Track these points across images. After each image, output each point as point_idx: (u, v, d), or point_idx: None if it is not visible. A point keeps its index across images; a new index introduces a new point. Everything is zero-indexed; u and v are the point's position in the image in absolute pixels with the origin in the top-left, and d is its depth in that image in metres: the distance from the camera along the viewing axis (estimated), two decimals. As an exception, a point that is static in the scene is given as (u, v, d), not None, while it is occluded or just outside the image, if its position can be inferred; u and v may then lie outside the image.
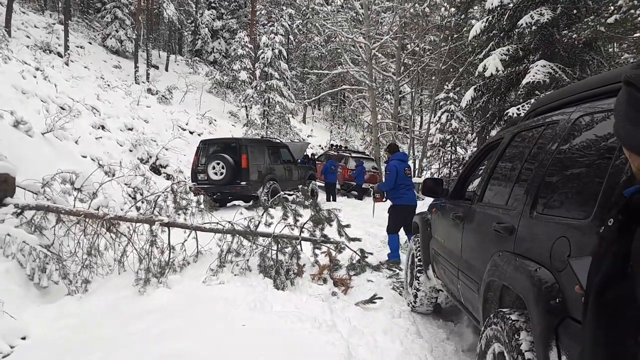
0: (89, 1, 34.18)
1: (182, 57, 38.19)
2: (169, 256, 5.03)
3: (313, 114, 43.65)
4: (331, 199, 15.16)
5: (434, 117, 20.27)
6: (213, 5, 37.82)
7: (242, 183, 10.68)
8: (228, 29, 37.90)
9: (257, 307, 3.98)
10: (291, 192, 10.22)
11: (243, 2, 41.24)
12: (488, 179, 3.17)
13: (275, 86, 25.20)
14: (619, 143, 1.64)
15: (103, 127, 13.11)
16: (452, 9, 20.16)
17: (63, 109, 11.39)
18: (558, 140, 2.28)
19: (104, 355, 3.22)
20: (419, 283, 4.53)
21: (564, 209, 2.07)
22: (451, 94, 16.90)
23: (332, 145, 24.75)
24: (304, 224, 5.48)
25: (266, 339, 3.40)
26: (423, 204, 12.12)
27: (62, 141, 9.42)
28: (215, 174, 10.68)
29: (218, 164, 10.67)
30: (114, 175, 8.54)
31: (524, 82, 9.34)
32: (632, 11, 8.52)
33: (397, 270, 5.95)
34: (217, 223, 5.39)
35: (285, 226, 5.46)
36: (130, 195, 9.46)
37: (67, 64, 19.86)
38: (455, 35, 20.12)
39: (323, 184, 15.99)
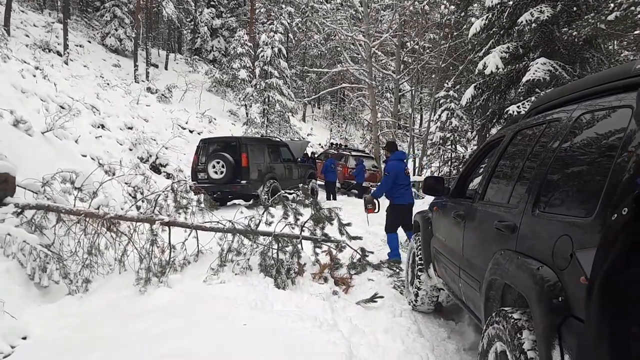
0: (88, 0, 34.12)
1: (181, 55, 38.13)
2: (170, 255, 5.02)
3: (313, 112, 43.63)
4: (331, 198, 15.15)
5: (434, 115, 20.26)
6: (212, 3, 37.76)
7: (242, 182, 10.68)
8: (227, 27, 37.85)
9: (258, 306, 3.98)
10: (291, 191, 10.23)
11: (242, 0, 41.19)
12: (489, 177, 3.17)
13: (275, 84, 25.18)
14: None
15: (103, 126, 13.10)
16: (452, 7, 20.10)
17: (63, 108, 11.39)
18: (560, 138, 2.27)
19: (104, 354, 3.22)
20: (420, 282, 4.52)
21: (566, 207, 2.06)
22: (451, 92, 16.88)
23: (332, 143, 24.76)
24: (305, 222, 5.48)
25: (267, 338, 3.40)
26: (423, 203, 12.12)
27: (62, 140, 9.41)
28: (216, 172, 10.67)
29: (218, 162, 10.67)
30: (114, 174, 8.55)
31: (524, 79, 9.32)
32: (633, 8, 8.51)
33: (398, 269, 5.94)
34: (218, 222, 5.39)
35: (286, 225, 5.46)
36: (130, 195, 9.46)
37: (66, 63, 19.82)
38: (455, 33, 20.08)
39: (323, 183, 16.00)
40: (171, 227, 5.19)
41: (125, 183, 9.49)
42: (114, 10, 28.32)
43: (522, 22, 9.44)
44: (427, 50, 23.05)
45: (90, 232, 5.10)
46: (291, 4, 37.66)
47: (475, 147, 15.02)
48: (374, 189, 7.14)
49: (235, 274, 4.81)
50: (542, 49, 9.96)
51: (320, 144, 30.17)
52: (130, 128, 14.76)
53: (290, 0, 37.86)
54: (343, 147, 22.64)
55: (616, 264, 1.21)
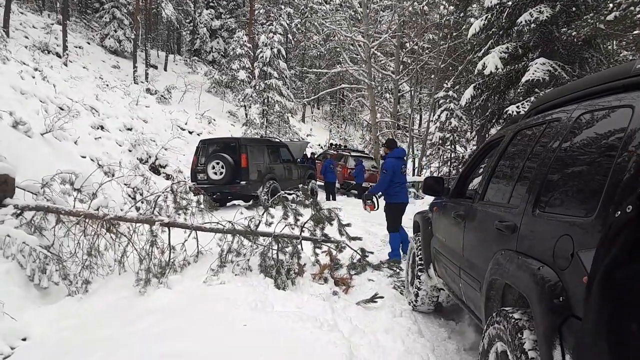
0: (87, 1, 34.10)
1: (180, 56, 38.14)
2: (170, 256, 5.01)
3: (312, 113, 43.65)
4: (331, 198, 15.16)
5: (434, 115, 20.27)
6: (211, 4, 37.76)
7: (241, 182, 10.67)
8: (227, 28, 37.85)
9: (258, 307, 3.97)
10: (291, 192, 10.23)
11: (241, 1, 41.21)
12: (489, 177, 3.17)
13: (274, 85, 25.18)
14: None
15: (102, 127, 13.10)
16: (451, 7, 20.13)
17: (62, 109, 11.38)
18: (560, 138, 2.27)
19: (104, 355, 3.21)
20: (420, 282, 4.52)
21: (567, 207, 2.06)
22: (450, 93, 16.89)
23: (331, 144, 24.76)
24: (305, 223, 5.47)
25: (267, 339, 3.39)
26: (423, 203, 12.12)
27: (62, 141, 9.40)
28: (215, 173, 10.67)
29: (218, 163, 10.66)
30: (113, 175, 8.53)
31: (523, 80, 9.34)
32: (632, 8, 8.52)
33: (398, 270, 5.94)
34: (218, 223, 5.38)
35: (286, 226, 5.45)
36: (130, 196, 9.45)
37: (65, 64, 19.82)
38: (454, 34, 20.10)
39: (322, 184, 16.00)
40: (171, 228, 5.19)
41: (125, 184, 9.48)
42: (113, 12, 28.32)
43: (521, 22, 9.46)
44: (427, 51, 23.07)
45: (90, 233, 5.09)
46: (290, 5, 37.71)
47: (475, 147, 15.03)
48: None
49: (235, 275, 4.81)
50: (541, 49, 9.98)
51: (319, 145, 30.17)
52: (130, 129, 14.76)
53: (290, 1, 37.89)
54: (342, 147, 22.64)
55: (617, 260, 1.21)
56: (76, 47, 24.78)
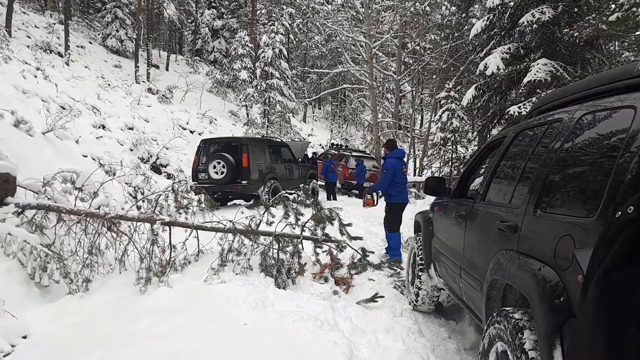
0: (89, 1, 34.15)
1: (182, 56, 38.16)
2: (170, 255, 5.02)
3: (313, 113, 43.65)
4: (331, 198, 15.16)
5: (435, 115, 20.23)
6: (213, 4, 37.77)
7: (243, 182, 10.67)
8: (228, 28, 37.86)
9: (259, 306, 3.97)
10: (292, 191, 10.22)
11: (243, 1, 41.19)
12: (491, 177, 3.16)
13: (275, 85, 25.21)
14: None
15: (104, 127, 13.12)
16: (453, 8, 20.11)
17: (64, 108, 11.40)
18: (561, 138, 2.27)
19: (105, 353, 3.21)
20: (420, 282, 4.52)
21: (568, 207, 2.05)
22: (452, 93, 16.85)
23: (332, 144, 24.76)
24: (305, 222, 5.47)
25: (268, 338, 3.39)
26: (424, 203, 12.12)
27: (63, 140, 9.42)
28: (216, 173, 10.67)
29: (219, 163, 10.67)
30: (114, 174, 8.54)
31: (525, 80, 9.32)
32: (634, 9, 8.49)
33: (399, 269, 5.94)
34: (218, 222, 5.39)
35: (287, 225, 5.45)
36: (131, 195, 9.47)
37: (67, 64, 19.86)
38: (456, 34, 20.07)
39: (323, 183, 16.00)
40: (172, 227, 5.19)
41: (126, 183, 9.50)
42: (115, 12, 28.36)
43: (523, 23, 9.45)
44: (428, 51, 23.05)
45: (91, 231, 5.10)
46: (292, 5, 37.71)
47: (476, 147, 15.01)
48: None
49: (236, 274, 4.81)
50: (543, 50, 9.96)
51: (320, 145, 30.17)
52: (131, 128, 14.78)
53: (291, 1, 37.89)
54: (344, 147, 22.64)
55: (616, 262, 1.21)
56: (78, 46, 24.82)
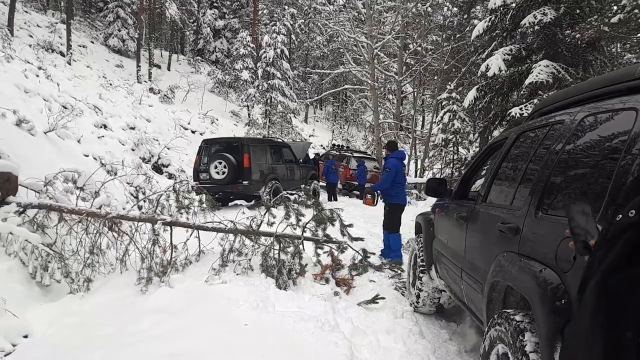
0: (91, 0, 34.20)
1: (184, 56, 38.20)
2: (171, 255, 5.02)
3: (315, 113, 43.67)
4: (332, 199, 15.16)
5: (436, 117, 20.24)
6: (215, 4, 37.81)
7: (244, 182, 10.68)
8: (230, 28, 37.90)
9: (260, 306, 3.97)
10: (293, 192, 10.23)
11: (245, 1, 41.24)
12: (492, 179, 3.16)
13: (277, 86, 25.22)
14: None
15: (105, 126, 13.13)
16: (455, 9, 20.12)
17: (65, 107, 11.41)
18: (563, 140, 2.27)
19: (105, 353, 3.22)
20: (421, 283, 4.52)
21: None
22: (453, 94, 16.85)
23: (334, 145, 24.76)
24: (306, 223, 5.47)
25: (268, 339, 3.39)
26: (425, 204, 12.11)
27: (65, 140, 9.43)
28: (218, 173, 10.68)
29: (220, 163, 10.67)
30: (116, 174, 8.54)
31: (526, 82, 9.31)
32: (636, 11, 8.47)
33: (400, 271, 5.94)
34: (220, 222, 5.39)
35: (288, 226, 5.45)
36: (132, 194, 9.46)
37: (69, 63, 19.88)
38: (457, 35, 20.08)
39: (325, 184, 16.00)
40: (173, 227, 5.19)
41: (127, 183, 9.49)
42: (117, 11, 28.39)
43: (525, 24, 9.44)
44: (430, 52, 23.07)
45: (92, 231, 5.10)
46: (294, 6, 37.71)
47: (478, 149, 15.01)
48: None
49: (237, 274, 4.81)
50: (545, 52, 9.95)
51: (322, 145, 30.17)
52: (133, 128, 14.78)
53: (293, 1, 37.91)
54: (345, 148, 22.64)
55: (616, 264, 1.21)
56: (80, 46, 24.86)
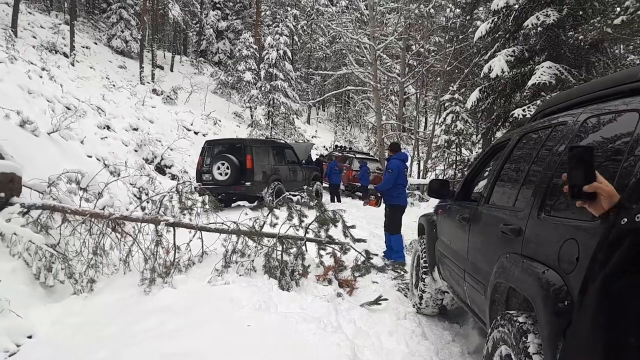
0: (95, 2, 34.30)
1: (187, 57, 38.26)
2: (174, 256, 5.03)
3: (317, 114, 43.65)
4: (335, 200, 15.16)
5: (439, 118, 20.23)
6: (218, 6, 37.84)
7: (246, 183, 10.69)
8: (233, 29, 37.92)
9: (262, 307, 3.98)
10: (296, 193, 10.24)
11: (248, 2, 41.28)
12: (495, 180, 3.16)
13: (279, 87, 25.24)
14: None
15: (108, 127, 13.16)
16: (457, 10, 20.11)
17: (69, 108, 11.44)
18: (566, 141, 2.27)
19: (109, 354, 3.23)
20: (424, 285, 4.51)
21: (572, 210, 2.05)
22: (456, 95, 16.85)
23: (336, 146, 24.77)
24: (309, 224, 5.48)
25: (271, 340, 3.40)
26: (428, 206, 12.11)
27: (68, 141, 9.46)
28: (220, 174, 10.69)
29: (223, 164, 10.69)
30: (119, 175, 8.55)
31: (529, 83, 9.31)
32: (639, 12, 8.47)
33: (402, 272, 5.94)
34: (222, 223, 5.40)
35: (290, 227, 5.46)
36: (135, 195, 9.49)
37: (72, 64, 19.94)
38: (460, 37, 20.06)
39: (327, 185, 16.01)
40: (176, 228, 5.21)
41: (131, 184, 9.51)
42: (121, 12, 28.46)
43: (527, 25, 9.44)
44: (433, 54, 23.06)
45: (96, 232, 5.12)
46: (296, 7, 37.73)
47: (480, 150, 14.99)
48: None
49: (240, 275, 4.82)
50: (547, 53, 9.95)
51: (324, 146, 30.18)
52: (136, 129, 14.81)
53: (296, 2, 37.94)
54: (347, 149, 22.65)
55: (620, 267, 1.21)
56: (83, 47, 24.93)
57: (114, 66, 25.59)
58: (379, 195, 6.83)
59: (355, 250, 5.60)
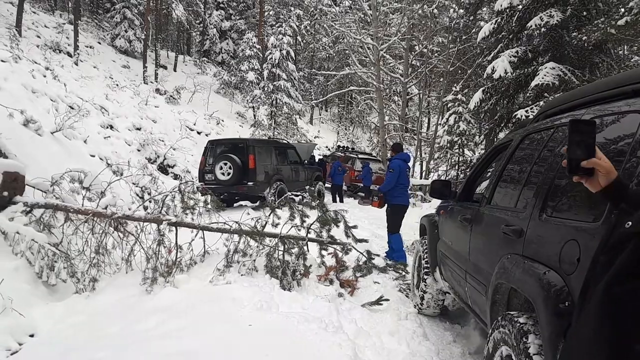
0: (99, 1, 34.40)
1: (190, 57, 38.34)
2: (176, 255, 5.04)
3: (320, 115, 43.66)
4: (337, 201, 15.15)
5: (442, 118, 20.21)
6: (221, 5, 37.93)
7: (249, 183, 10.71)
8: (236, 29, 38.00)
9: (264, 307, 3.98)
10: (298, 193, 10.23)
11: (251, 2, 41.34)
12: (497, 181, 3.16)
13: (282, 87, 25.25)
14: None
15: (111, 127, 13.19)
16: (461, 11, 20.10)
17: (72, 108, 11.47)
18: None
19: (111, 353, 3.24)
20: (425, 285, 4.51)
21: (574, 211, 2.05)
22: (459, 96, 16.83)
23: (339, 146, 24.77)
24: (311, 224, 5.48)
25: (273, 339, 3.40)
26: (430, 206, 12.10)
27: (71, 140, 9.48)
28: (223, 174, 10.70)
29: (225, 164, 10.70)
30: (122, 174, 8.59)
31: (532, 84, 9.28)
32: (643, 13, 8.44)
33: (404, 272, 5.93)
34: (224, 223, 5.41)
35: (292, 227, 5.46)
36: (138, 195, 9.51)
37: (76, 64, 19.99)
38: (463, 37, 20.05)
39: (329, 185, 16.01)
40: (178, 227, 5.21)
41: (133, 183, 9.54)
42: (124, 12, 28.54)
43: (531, 26, 9.42)
44: (436, 54, 23.05)
45: (98, 231, 5.13)
46: (300, 7, 37.77)
47: (483, 151, 14.96)
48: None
49: (241, 275, 4.82)
50: (551, 54, 9.92)
51: (327, 147, 30.18)
52: (139, 129, 14.85)
53: (299, 3, 37.97)
54: (350, 149, 22.65)
55: (622, 272, 1.20)
56: (87, 46, 25.00)
57: (117, 66, 25.65)
58: (382, 196, 6.84)
59: (357, 251, 5.60)
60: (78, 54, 21.09)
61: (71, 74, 17.13)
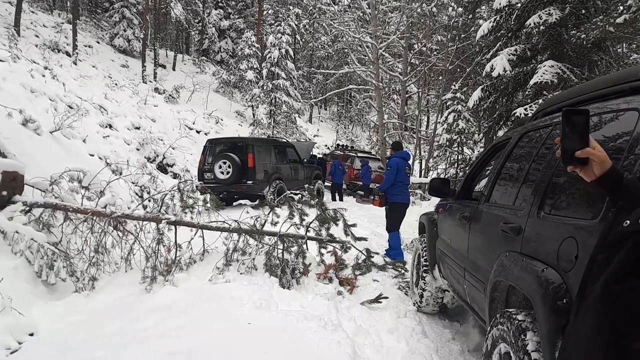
0: (97, 1, 34.34)
1: (189, 56, 38.27)
2: (176, 254, 5.04)
3: (319, 113, 43.63)
4: (337, 199, 15.15)
5: (441, 117, 20.21)
6: (220, 4, 37.87)
7: (248, 182, 10.70)
8: (235, 28, 37.95)
9: (263, 305, 3.99)
10: (297, 192, 10.23)
11: (250, 1, 41.29)
12: (495, 179, 3.16)
13: (281, 86, 25.25)
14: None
15: (110, 126, 13.19)
16: (460, 9, 20.09)
17: (71, 107, 11.47)
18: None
19: (111, 351, 3.24)
20: (424, 283, 4.52)
21: (572, 209, 2.06)
22: (458, 94, 16.83)
23: (338, 144, 24.77)
24: (310, 223, 5.49)
25: (272, 338, 3.40)
26: (429, 204, 12.10)
27: (70, 140, 9.48)
28: (222, 173, 10.70)
29: (225, 163, 10.69)
30: (121, 173, 8.60)
31: (531, 82, 9.29)
32: (642, 11, 8.44)
33: (403, 270, 5.94)
34: (224, 222, 5.41)
35: (291, 225, 5.46)
36: (137, 194, 9.51)
37: (75, 63, 19.96)
38: (462, 35, 20.05)
39: (329, 184, 16.01)
40: (177, 226, 5.22)
41: (132, 182, 9.54)
42: (123, 11, 28.48)
43: (530, 24, 9.42)
44: (435, 52, 23.02)
45: (97, 230, 5.13)
46: (299, 6, 37.74)
47: (482, 149, 14.97)
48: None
49: (241, 274, 4.83)
50: (550, 52, 9.93)
51: (326, 145, 30.19)
52: (138, 128, 14.85)
53: (298, 1, 37.93)
54: (349, 148, 22.65)
55: (620, 271, 1.21)
56: (86, 46, 24.95)
57: (116, 65, 25.61)
58: (382, 194, 6.84)
59: (356, 249, 5.60)
60: (77, 53, 21.06)
61: (70, 73, 17.11)
